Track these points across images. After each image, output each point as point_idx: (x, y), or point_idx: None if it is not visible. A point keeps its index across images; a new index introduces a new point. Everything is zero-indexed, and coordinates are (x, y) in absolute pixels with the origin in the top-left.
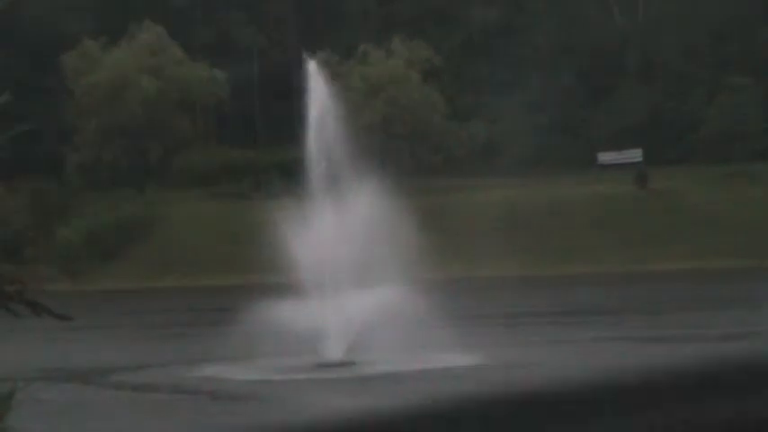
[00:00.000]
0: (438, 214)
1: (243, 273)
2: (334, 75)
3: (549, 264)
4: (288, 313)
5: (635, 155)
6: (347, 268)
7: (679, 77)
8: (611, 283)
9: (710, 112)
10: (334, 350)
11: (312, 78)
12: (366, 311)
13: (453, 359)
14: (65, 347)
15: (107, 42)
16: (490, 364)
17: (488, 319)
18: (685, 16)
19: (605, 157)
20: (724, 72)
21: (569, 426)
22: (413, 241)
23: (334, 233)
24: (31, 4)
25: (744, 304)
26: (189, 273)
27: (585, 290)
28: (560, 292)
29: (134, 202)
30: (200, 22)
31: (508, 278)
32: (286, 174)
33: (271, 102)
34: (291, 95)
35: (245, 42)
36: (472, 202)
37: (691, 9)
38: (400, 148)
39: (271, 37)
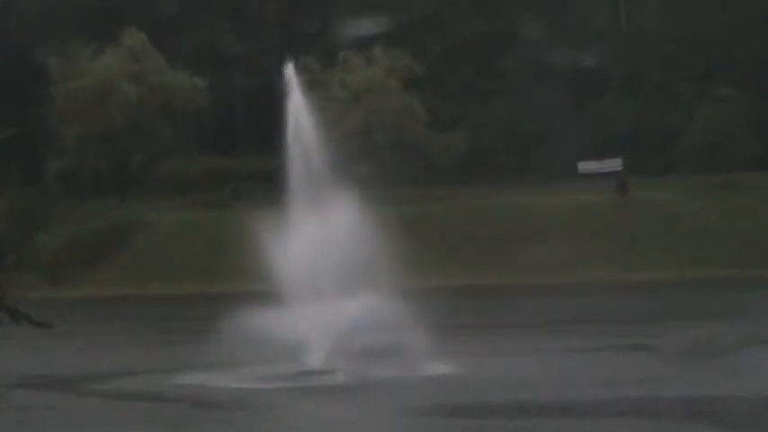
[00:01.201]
0: (419, 223)
1: (224, 281)
2: (316, 82)
3: (530, 273)
4: (269, 321)
5: (615, 164)
6: (328, 276)
7: (662, 88)
8: (591, 292)
9: (693, 123)
10: (314, 358)
11: (291, 85)
12: (346, 319)
13: (433, 368)
14: (48, 355)
15: (92, 49)
16: (470, 373)
17: (469, 328)
18: (668, 27)
19: (586, 166)
20: (707, 83)
21: None
22: (393, 250)
23: (314, 241)
24: (17, 7)
25: (726, 314)
26: (171, 280)
27: (566, 299)
28: (541, 301)
29: (116, 208)
30: (183, 30)
31: (489, 287)
32: (267, 182)
33: (252, 110)
34: (272, 103)
35: (227, 50)
36: (453, 211)
37: (673, 20)
38: (381, 157)
39: (252, 45)
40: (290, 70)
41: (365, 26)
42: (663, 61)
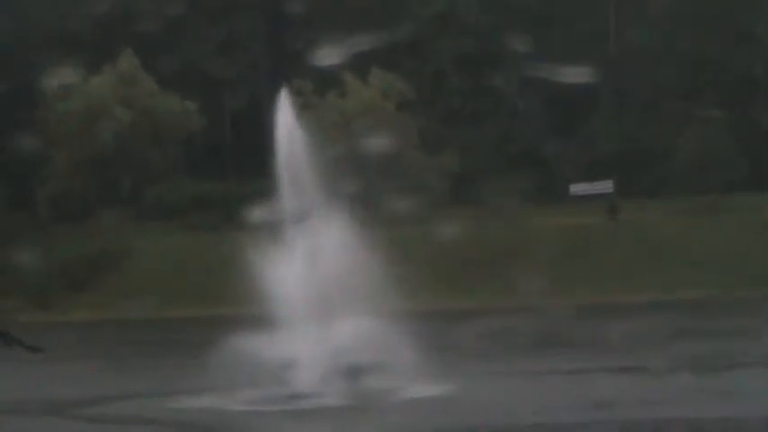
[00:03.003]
0: (409, 245)
1: (215, 304)
2: (307, 105)
3: (520, 295)
4: (260, 344)
5: (606, 186)
6: (319, 298)
7: (650, 109)
8: (581, 314)
9: (682, 144)
10: (305, 380)
11: (282, 108)
12: (337, 342)
13: (425, 390)
14: (36, 379)
15: (83, 71)
16: (461, 395)
17: (460, 350)
18: (656, 48)
19: (577, 188)
20: (695, 103)
21: None
22: (385, 272)
23: (305, 264)
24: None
25: (715, 335)
26: (161, 304)
27: (556, 321)
28: (531, 322)
29: (105, 233)
30: (172, 52)
31: (480, 309)
32: (257, 206)
33: (243, 133)
34: (263, 127)
35: (216, 72)
36: (443, 233)
37: (661, 41)
38: (373, 179)
39: (242, 67)
40: (282, 93)
41: (354, 49)
42: (651, 81)
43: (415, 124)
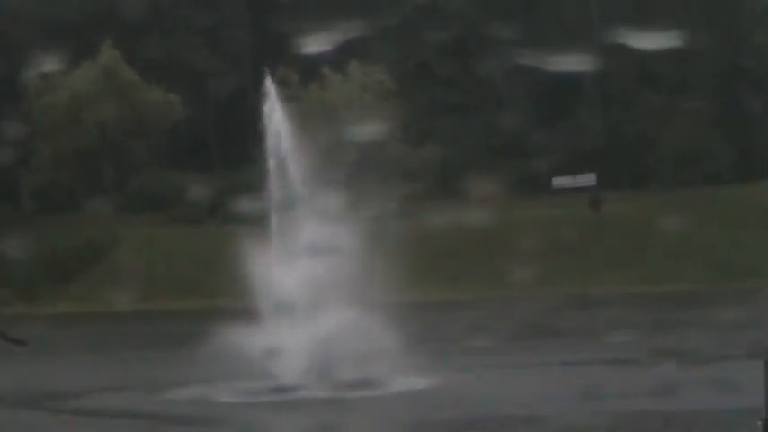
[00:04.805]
0: (394, 236)
1: (199, 297)
2: (291, 97)
3: (503, 287)
4: (244, 337)
5: (589, 179)
6: (305, 291)
7: (634, 101)
8: (566, 306)
9: (667, 135)
10: (292, 372)
11: (269, 98)
12: (323, 334)
13: (412, 382)
14: (21, 371)
15: (66, 64)
16: (449, 387)
17: (446, 343)
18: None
19: (559, 181)
20: (678, 96)
21: None
22: (370, 264)
23: (290, 257)
24: None
25: (700, 327)
26: (146, 297)
27: (539, 313)
28: (514, 315)
29: (90, 225)
30: (155, 44)
31: (464, 301)
32: (242, 197)
33: (227, 124)
34: (247, 117)
35: (199, 65)
36: (427, 226)
37: (645, 32)
38: (357, 172)
39: (226, 59)
40: (269, 84)
41: (338, 39)
42: (634, 74)
43: (398, 116)
